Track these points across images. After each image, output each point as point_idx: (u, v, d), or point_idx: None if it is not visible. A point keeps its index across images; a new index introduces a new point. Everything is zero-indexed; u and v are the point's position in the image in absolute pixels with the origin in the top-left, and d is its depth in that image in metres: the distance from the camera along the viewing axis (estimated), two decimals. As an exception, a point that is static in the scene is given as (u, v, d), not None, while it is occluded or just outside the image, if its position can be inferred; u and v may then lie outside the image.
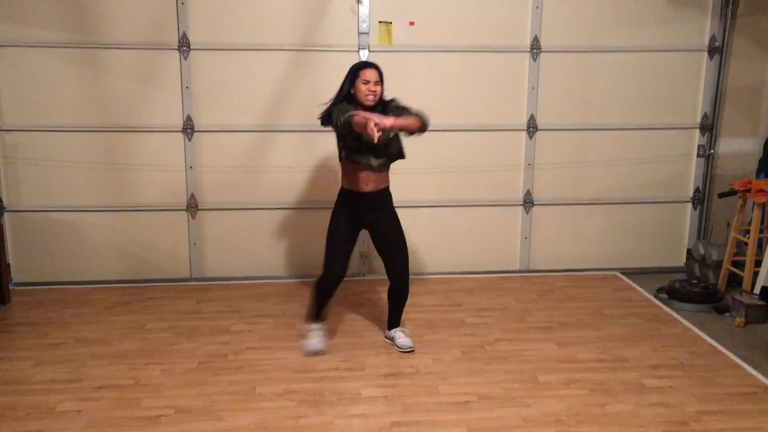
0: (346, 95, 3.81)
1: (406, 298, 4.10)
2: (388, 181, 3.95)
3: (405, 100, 5.06)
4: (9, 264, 4.95)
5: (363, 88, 3.75)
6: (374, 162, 3.81)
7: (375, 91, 3.76)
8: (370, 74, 3.77)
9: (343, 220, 3.93)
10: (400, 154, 3.89)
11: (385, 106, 3.84)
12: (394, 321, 4.14)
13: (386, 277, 4.04)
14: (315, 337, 4.02)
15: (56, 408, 3.34)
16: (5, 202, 4.96)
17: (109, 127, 4.92)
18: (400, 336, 4.07)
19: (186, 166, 5.02)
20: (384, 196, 3.94)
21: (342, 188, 3.96)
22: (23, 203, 4.98)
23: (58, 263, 5.09)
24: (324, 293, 3.98)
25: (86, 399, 3.43)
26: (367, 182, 3.85)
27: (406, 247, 4.01)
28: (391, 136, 3.77)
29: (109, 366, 3.79)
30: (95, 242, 5.09)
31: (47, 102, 4.85)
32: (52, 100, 4.85)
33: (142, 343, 4.09)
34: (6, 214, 4.97)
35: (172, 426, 3.20)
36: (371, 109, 3.74)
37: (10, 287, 4.86)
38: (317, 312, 4.04)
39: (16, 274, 5.06)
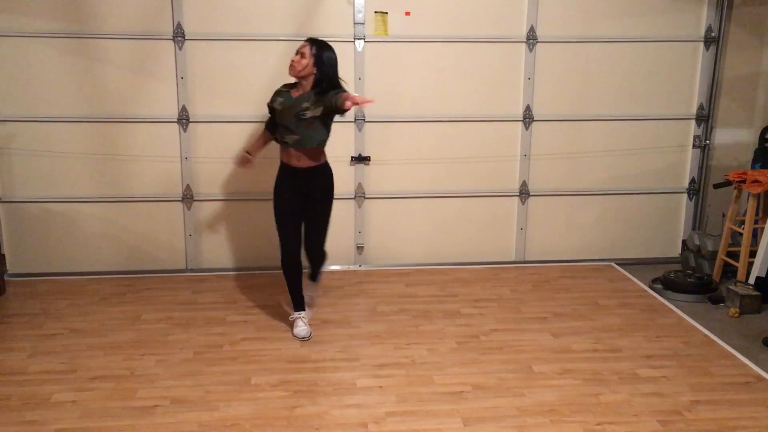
0: None
1: (320, 264, 4.26)
2: (319, 160, 4.02)
3: (401, 90, 5.11)
4: (4, 255, 4.95)
5: (293, 59, 3.90)
6: (288, 139, 3.93)
7: (294, 61, 3.87)
8: (300, 46, 3.92)
9: (284, 195, 4.05)
10: (319, 136, 3.96)
11: (322, 92, 3.89)
12: (314, 276, 4.34)
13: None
14: (298, 325, 4.10)
15: (51, 398, 3.35)
16: (0, 193, 4.95)
17: (104, 118, 4.90)
18: (299, 324, 4.13)
19: (181, 157, 5.01)
20: (312, 174, 4.01)
21: (280, 162, 4.08)
22: (18, 194, 4.97)
23: (53, 254, 5.08)
24: (288, 273, 4.10)
25: (81, 389, 3.44)
26: (295, 158, 3.97)
27: (325, 231, 4.15)
28: (305, 117, 3.85)
29: (105, 357, 3.80)
30: (91, 233, 5.08)
31: (42, 92, 4.83)
32: (46, 90, 4.83)
33: (138, 334, 4.10)
34: (1, 205, 4.96)
35: (167, 416, 3.20)
36: (302, 83, 3.90)
37: (6, 278, 4.85)
38: (292, 298, 4.16)
39: (12, 265, 5.05)
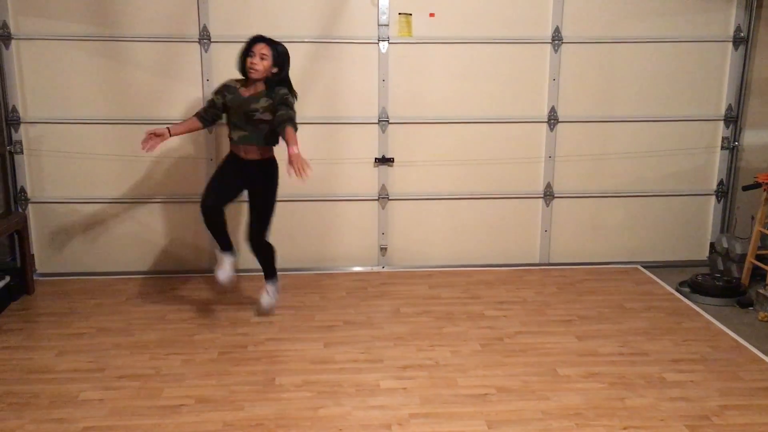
0: (242, 69, 4.03)
1: (263, 258, 4.32)
2: (265, 154, 4.12)
3: (425, 92, 5.10)
4: (33, 255, 5.02)
5: (248, 61, 3.96)
6: (235, 135, 4.07)
7: (254, 64, 3.92)
8: (256, 48, 3.95)
9: (226, 166, 4.18)
10: (272, 137, 4.06)
11: (271, 89, 3.99)
12: (265, 272, 4.39)
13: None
14: (220, 266, 4.23)
15: (79, 396, 3.39)
16: (29, 194, 5.03)
17: (131, 120, 4.96)
18: (264, 296, 4.34)
19: (207, 158, 5.05)
20: (257, 166, 4.11)
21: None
22: (47, 195, 5.04)
23: (81, 254, 5.15)
24: (206, 222, 4.12)
25: (108, 388, 3.48)
26: (243, 151, 4.09)
27: (265, 222, 4.21)
28: (255, 117, 3.96)
29: (131, 356, 3.84)
30: (117, 233, 5.14)
31: (70, 94, 4.90)
32: (75, 92, 4.89)
33: (163, 334, 4.14)
34: (30, 206, 5.04)
35: (192, 415, 3.23)
36: (254, 82, 3.99)
37: (34, 278, 4.93)
38: (217, 241, 4.23)
39: (40, 265, 5.13)
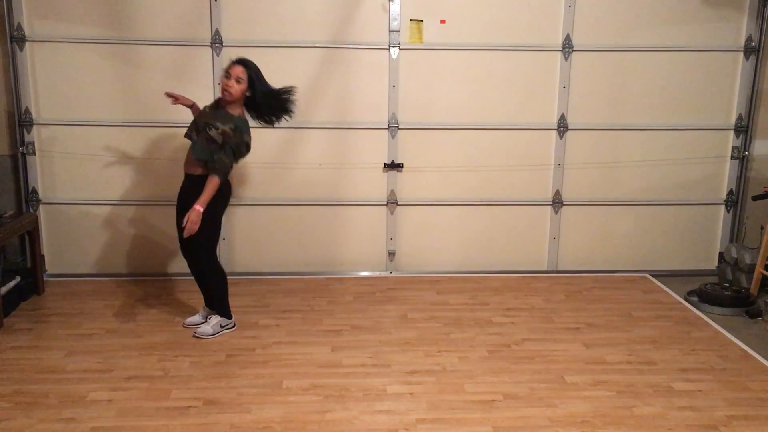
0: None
1: (210, 298, 4.26)
2: (195, 170, 3.96)
3: (435, 98, 5.11)
4: (43, 255, 5.06)
5: (223, 82, 3.92)
6: (188, 137, 4.02)
7: (229, 86, 3.87)
8: (234, 70, 3.90)
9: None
10: (204, 154, 3.92)
11: (216, 112, 3.96)
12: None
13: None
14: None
15: (88, 397, 3.41)
16: (41, 195, 5.06)
17: (142, 122, 4.99)
18: (205, 324, 4.19)
19: (217, 162, 5.08)
20: (187, 181, 4.04)
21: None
22: (58, 196, 5.08)
23: (91, 255, 5.18)
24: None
25: (117, 389, 3.49)
26: (186, 160, 4.03)
27: (196, 246, 4.04)
28: (208, 131, 3.85)
29: (140, 357, 3.86)
30: (128, 235, 5.17)
31: (83, 96, 4.93)
32: (87, 94, 4.93)
33: (172, 336, 4.15)
34: (41, 207, 5.08)
35: (200, 417, 3.24)
36: (228, 104, 3.92)
37: (45, 278, 4.96)
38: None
39: (51, 266, 5.16)
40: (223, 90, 3.91)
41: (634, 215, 5.39)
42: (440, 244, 5.35)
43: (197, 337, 4.10)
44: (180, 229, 3.91)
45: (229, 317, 4.22)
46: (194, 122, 4.03)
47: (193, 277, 4.26)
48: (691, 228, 5.44)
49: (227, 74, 3.91)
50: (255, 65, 3.96)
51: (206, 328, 4.14)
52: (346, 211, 5.24)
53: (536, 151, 5.24)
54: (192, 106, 4.20)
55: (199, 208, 3.78)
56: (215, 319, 4.18)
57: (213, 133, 3.83)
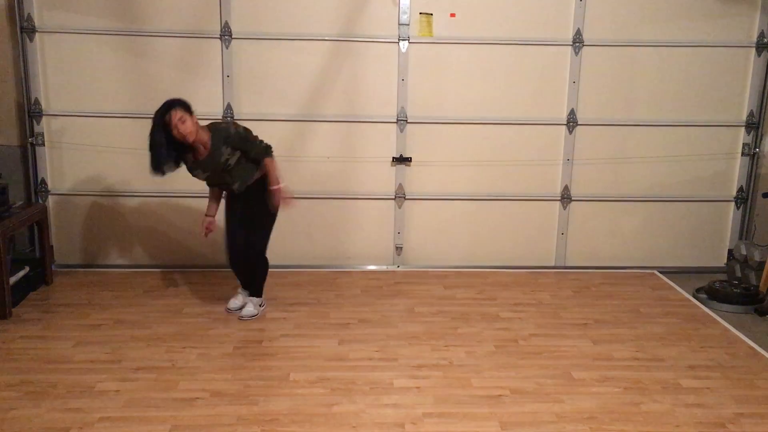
0: (173, 144, 3.84)
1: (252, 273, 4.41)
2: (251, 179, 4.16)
3: (444, 92, 5.09)
4: (52, 246, 5.07)
5: (174, 134, 3.80)
6: (228, 188, 4.15)
7: (183, 133, 3.79)
8: (171, 118, 3.77)
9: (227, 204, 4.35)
10: (246, 174, 4.10)
11: (211, 153, 3.95)
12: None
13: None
14: (235, 297, 4.48)
15: (96, 387, 3.42)
16: (50, 185, 5.08)
17: (151, 114, 4.96)
18: (248, 305, 4.37)
19: (225, 154, 5.08)
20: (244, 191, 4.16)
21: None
22: (67, 187, 5.09)
23: (99, 246, 5.20)
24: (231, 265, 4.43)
25: (125, 379, 3.51)
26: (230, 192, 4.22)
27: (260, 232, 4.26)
28: (230, 166, 3.99)
29: (148, 348, 3.87)
30: (136, 227, 5.18)
31: (92, 88, 4.94)
32: (96, 86, 4.94)
33: (180, 327, 4.16)
34: (50, 197, 5.09)
35: (207, 408, 3.25)
36: (200, 141, 3.88)
37: (53, 269, 4.98)
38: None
39: (59, 256, 5.18)
40: (184, 139, 3.80)
41: (643, 211, 5.37)
42: (448, 239, 5.35)
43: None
44: (232, 234, 4.24)
45: (262, 297, 4.45)
46: (216, 185, 4.18)
47: (230, 266, 4.40)
48: (700, 225, 5.42)
49: (171, 127, 3.76)
50: (167, 104, 3.83)
51: (251, 310, 4.32)
52: (354, 204, 5.24)
53: (545, 146, 5.22)
54: (215, 215, 4.31)
55: (277, 186, 4.02)
56: (255, 300, 4.37)
57: (231, 157, 3.95)
